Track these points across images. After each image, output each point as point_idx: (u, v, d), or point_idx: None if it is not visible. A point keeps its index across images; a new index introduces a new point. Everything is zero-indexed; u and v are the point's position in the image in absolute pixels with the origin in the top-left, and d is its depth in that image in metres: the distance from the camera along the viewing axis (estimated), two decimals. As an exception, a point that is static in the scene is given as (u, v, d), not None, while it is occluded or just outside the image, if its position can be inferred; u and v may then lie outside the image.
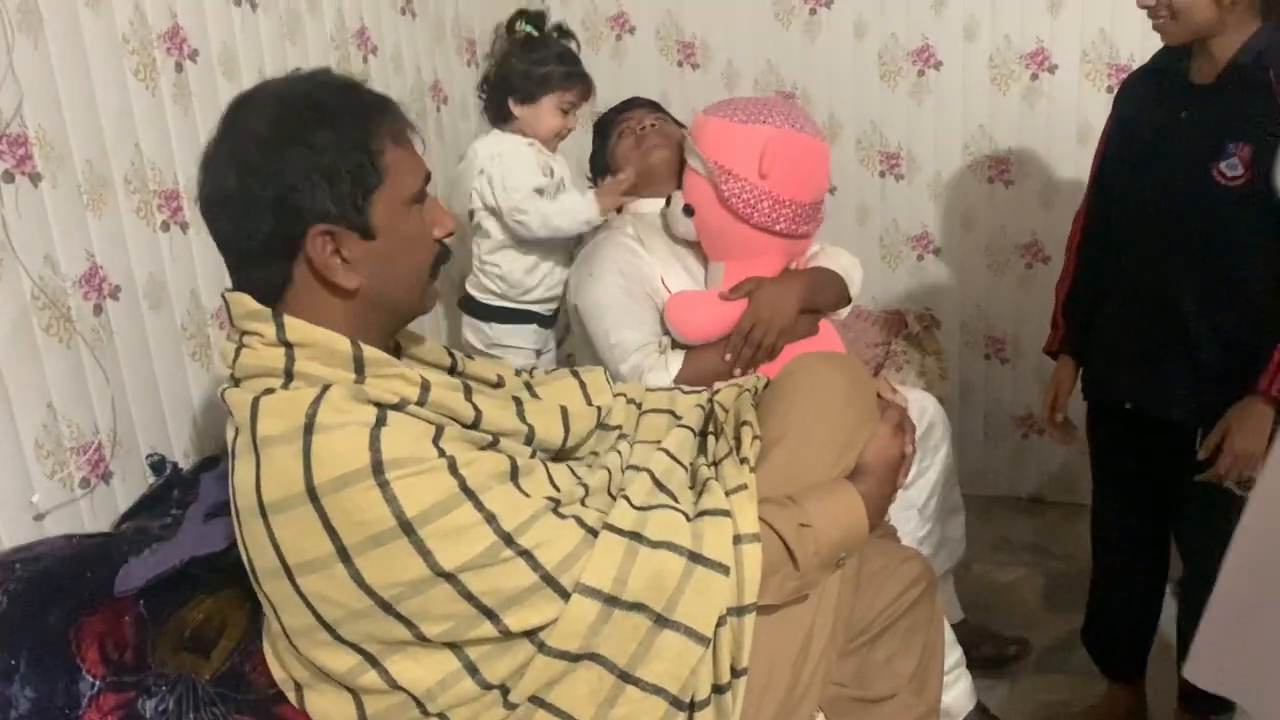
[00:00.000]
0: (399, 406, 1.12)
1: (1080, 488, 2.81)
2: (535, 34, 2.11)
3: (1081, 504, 2.82)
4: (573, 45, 2.15)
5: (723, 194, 1.90)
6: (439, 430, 1.13)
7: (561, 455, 1.34)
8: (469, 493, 1.09)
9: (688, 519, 1.20)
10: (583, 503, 1.22)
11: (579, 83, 2.11)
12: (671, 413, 1.48)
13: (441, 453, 1.10)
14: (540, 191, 2.06)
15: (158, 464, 1.69)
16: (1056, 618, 2.42)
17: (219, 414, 1.51)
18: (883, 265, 2.86)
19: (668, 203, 2.01)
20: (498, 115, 2.13)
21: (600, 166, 2.18)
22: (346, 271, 1.16)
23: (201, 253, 1.79)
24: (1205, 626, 1.07)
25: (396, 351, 1.30)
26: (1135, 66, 1.97)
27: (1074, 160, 2.62)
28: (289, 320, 1.15)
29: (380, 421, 1.09)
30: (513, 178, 2.05)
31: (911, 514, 2.05)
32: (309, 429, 1.08)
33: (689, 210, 1.96)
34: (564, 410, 1.34)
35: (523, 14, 2.14)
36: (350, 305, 1.18)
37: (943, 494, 2.12)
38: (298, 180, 1.12)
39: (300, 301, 1.17)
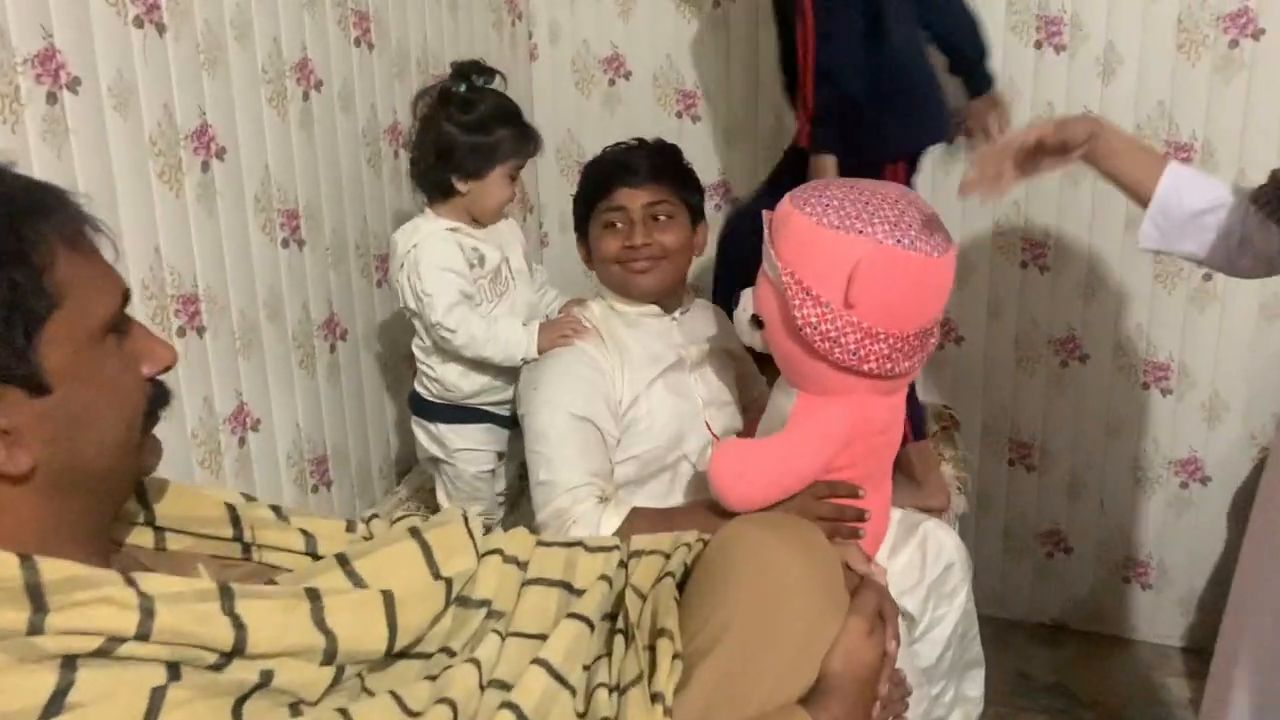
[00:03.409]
0: (103, 653, 0.75)
1: (1110, 616, 2.48)
2: (472, 95, 1.76)
3: (1111, 635, 2.50)
4: (497, 83, 1.80)
5: (795, 320, 1.45)
6: (165, 683, 0.75)
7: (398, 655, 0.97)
8: None
9: None
10: None
11: (531, 143, 1.78)
12: (566, 586, 1.07)
13: None
14: (469, 296, 1.73)
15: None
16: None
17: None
18: (897, 352, 2.52)
19: (735, 301, 1.59)
20: (440, 193, 1.79)
21: (581, 226, 1.82)
22: (9, 448, 0.78)
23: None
24: None
25: (126, 527, 0.93)
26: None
27: (1120, 247, 2.29)
28: None
29: (61, 692, 0.72)
30: (431, 282, 1.71)
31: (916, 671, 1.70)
32: None
33: (758, 322, 1.55)
34: (387, 598, 0.93)
35: (461, 74, 1.77)
36: (25, 496, 0.80)
37: (959, 648, 1.78)
38: None
39: None
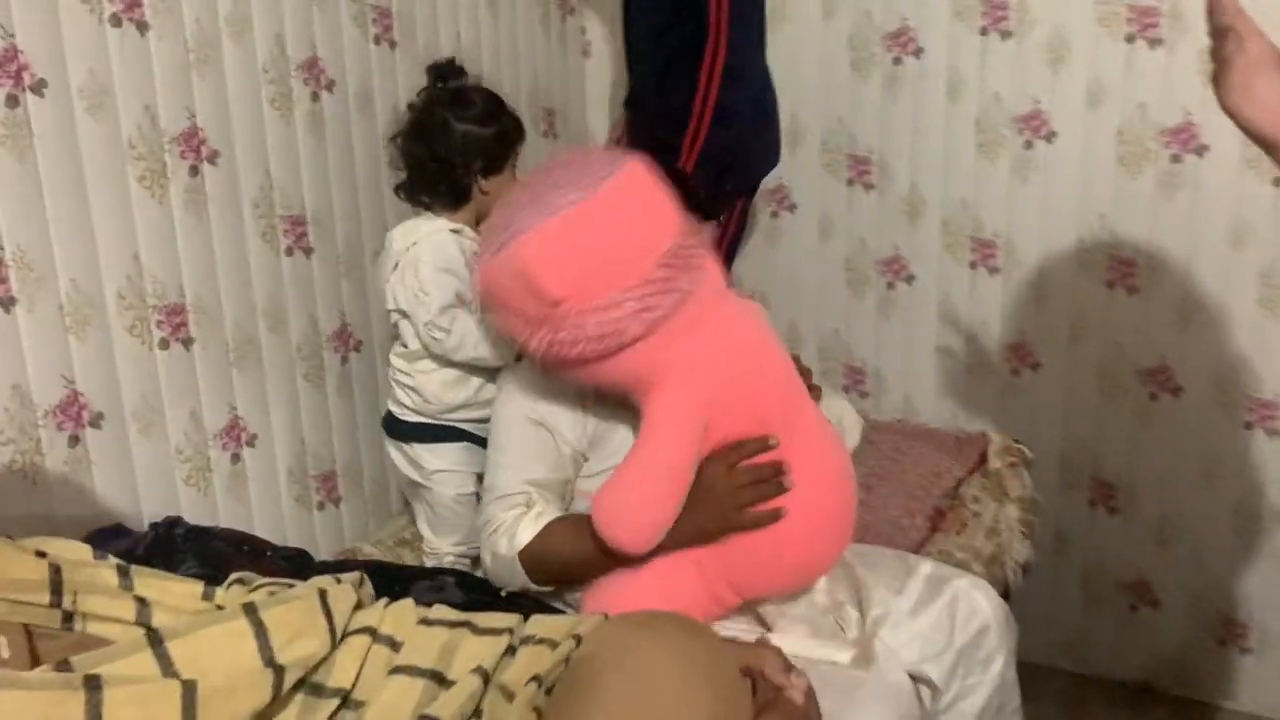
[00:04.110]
0: None
1: (1204, 681, 2.21)
2: (470, 88, 1.72)
3: (1203, 702, 2.23)
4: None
5: (536, 352, 1.34)
6: None
7: None
8: None
9: None
10: None
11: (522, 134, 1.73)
12: (437, 677, 0.94)
13: None
14: (465, 301, 1.64)
15: None
16: None
17: None
18: (968, 378, 2.30)
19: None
20: (455, 198, 1.71)
21: None
22: None
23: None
24: None
25: None
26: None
27: (1224, 267, 2.03)
28: None
29: None
30: (430, 281, 1.63)
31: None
32: None
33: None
34: (188, 690, 0.79)
35: (442, 75, 1.73)
36: None
37: (994, 725, 1.56)
38: None
39: None
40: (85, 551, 0.93)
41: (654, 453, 1.34)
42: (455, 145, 1.67)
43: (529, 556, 1.41)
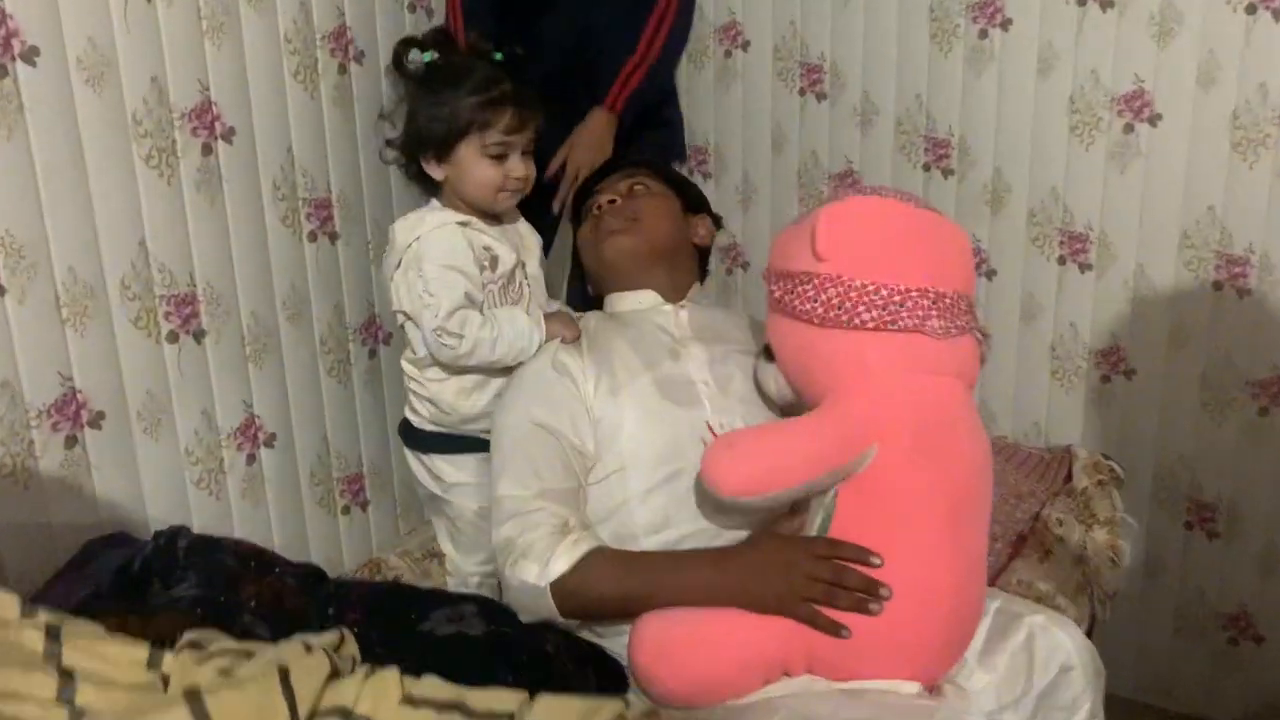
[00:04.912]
0: None
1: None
2: (438, 61, 1.48)
3: (1313, 755, 2.02)
4: (497, 57, 1.51)
5: (775, 297, 1.31)
6: None
7: None
8: None
9: None
10: None
11: (501, 109, 1.44)
12: None
13: None
14: (474, 301, 1.46)
15: None
16: None
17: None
18: (1052, 383, 2.10)
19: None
20: (425, 187, 1.54)
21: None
22: None
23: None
24: None
25: None
26: None
27: (1352, 269, 1.80)
28: None
29: None
30: (435, 280, 1.44)
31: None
32: None
33: (769, 354, 1.38)
34: None
35: (410, 42, 1.51)
36: None
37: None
38: None
39: None
40: (11, 606, 0.79)
41: (803, 427, 1.28)
42: (413, 126, 1.50)
43: (562, 589, 1.27)
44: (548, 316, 1.50)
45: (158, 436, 1.49)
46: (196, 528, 1.53)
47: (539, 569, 1.27)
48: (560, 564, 1.26)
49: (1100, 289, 2.02)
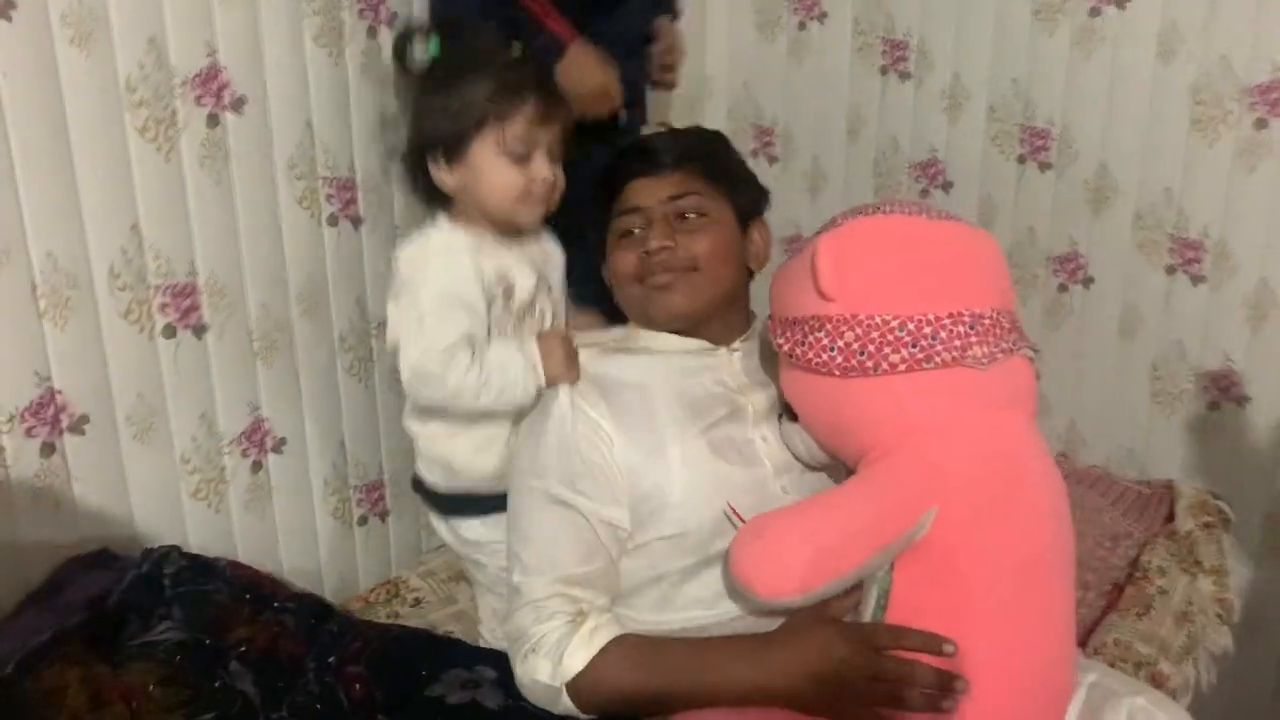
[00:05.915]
0: None
1: None
2: (446, 50, 1.22)
3: None
4: (514, 49, 1.28)
5: (784, 351, 1.14)
6: None
7: None
8: None
9: None
10: None
11: (522, 99, 1.19)
12: None
13: None
14: (472, 342, 1.19)
15: None
16: None
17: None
18: (1152, 406, 1.88)
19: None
20: (433, 198, 1.25)
21: (601, 248, 1.32)
22: None
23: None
24: None
25: None
26: None
27: None
28: None
29: None
30: (430, 311, 1.18)
31: None
32: None
33: (790, 414, 1.20)
34: None
35: (410, 34, 1.25)
36: None
37: None
38: None
39: None
40: None
41: (844, 498, 1.10)
42: (420, 126, 1.23)
43: (578, 688, 1.09)
44: (544, 340, 1.23)
45: (149, 443, 1.33)
46: (193, 544, 1.39)
47: (552, 667, 1.10)
48: (576, 660, 1.09)
49: (1214, 303, 1.80)
